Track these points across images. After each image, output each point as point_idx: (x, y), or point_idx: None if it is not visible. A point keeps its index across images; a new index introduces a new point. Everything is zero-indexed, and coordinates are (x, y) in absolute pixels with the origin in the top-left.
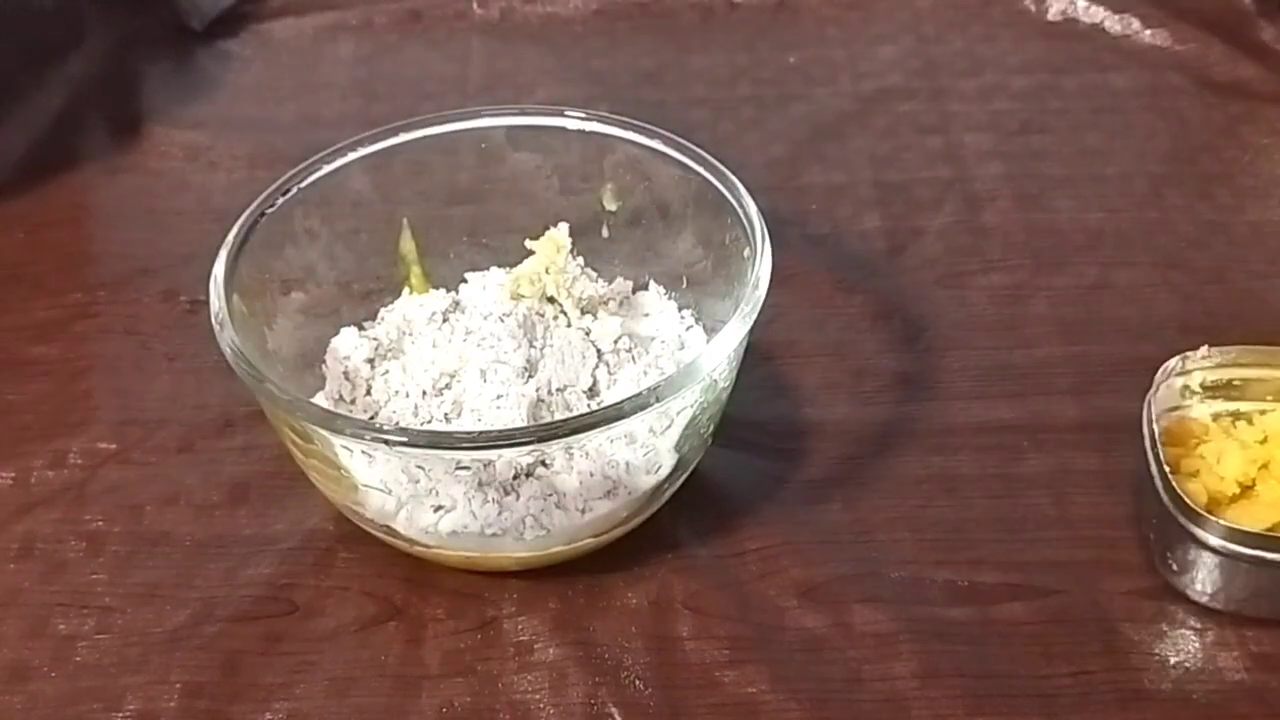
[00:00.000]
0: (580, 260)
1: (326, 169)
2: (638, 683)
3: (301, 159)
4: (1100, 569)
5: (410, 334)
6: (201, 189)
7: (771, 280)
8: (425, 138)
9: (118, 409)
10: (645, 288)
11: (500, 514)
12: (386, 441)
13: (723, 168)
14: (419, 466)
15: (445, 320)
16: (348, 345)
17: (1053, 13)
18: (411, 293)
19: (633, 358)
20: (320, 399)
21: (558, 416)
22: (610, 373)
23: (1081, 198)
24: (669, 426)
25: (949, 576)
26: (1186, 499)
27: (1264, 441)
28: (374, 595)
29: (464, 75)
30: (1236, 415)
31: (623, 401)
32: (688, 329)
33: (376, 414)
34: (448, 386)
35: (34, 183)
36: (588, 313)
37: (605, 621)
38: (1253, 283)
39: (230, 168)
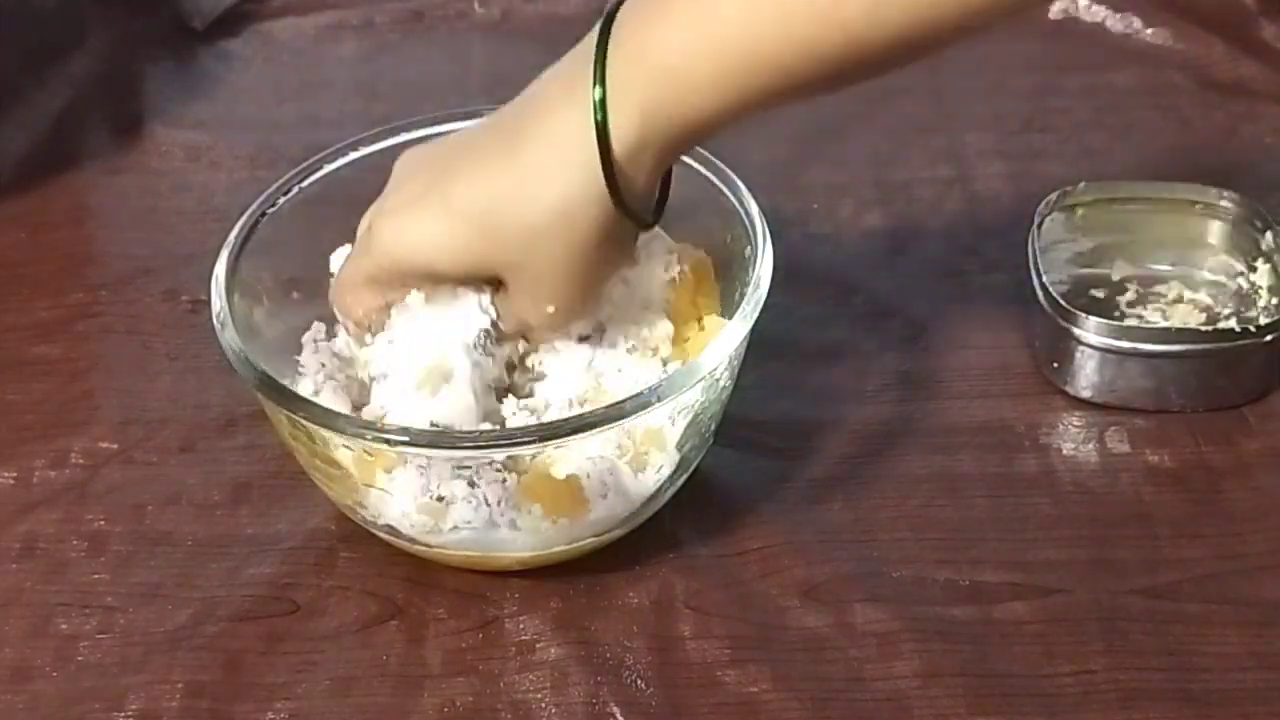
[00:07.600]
0: None
1: (328, 169)
2: (639, 682)
3: (303, 159)
4: (1101, 568)
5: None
6: (203, 189)
7: (773, 279)
8: (426, 137)
9: (119, 409)
10: None
11: (502, 514)
12: (387, 441)
13: (724, 167)
14: (420, 466)
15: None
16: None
17: (1054, 12)
18: None
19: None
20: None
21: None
22: None
23: None
24: (671, 426)
25: (950, 576)
26: (1061, 300)
27: None
28: (375, 595)
29: (465, 75)
30: None
31: (624, 401)
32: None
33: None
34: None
35: (35, 183)
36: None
37: (606, 621)
38: None
39: (231, 167)
